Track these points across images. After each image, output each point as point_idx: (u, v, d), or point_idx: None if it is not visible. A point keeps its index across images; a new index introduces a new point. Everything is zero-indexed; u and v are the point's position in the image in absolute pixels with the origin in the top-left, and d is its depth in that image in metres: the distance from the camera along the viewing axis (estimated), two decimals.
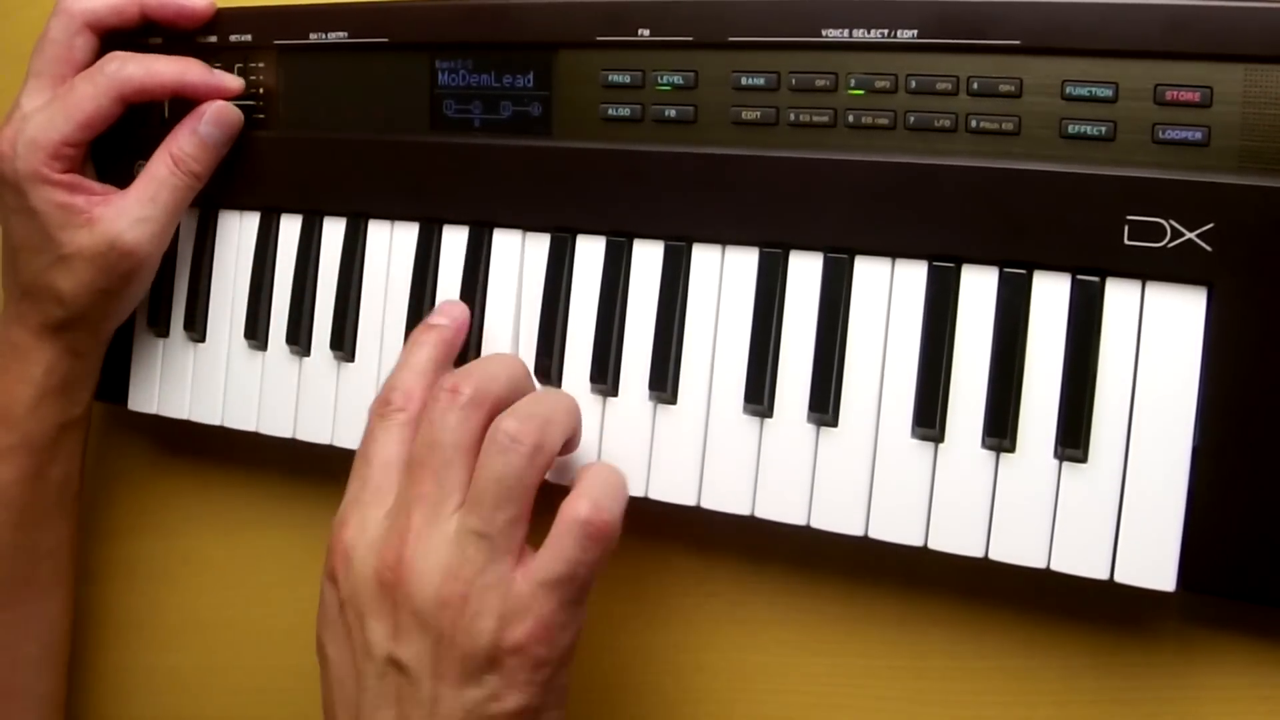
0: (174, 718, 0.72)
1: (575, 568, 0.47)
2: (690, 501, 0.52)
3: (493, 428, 0.48)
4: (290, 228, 0.62)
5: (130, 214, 0.60)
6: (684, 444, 0.52)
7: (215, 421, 0.64)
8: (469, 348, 0.56)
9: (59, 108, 0.60)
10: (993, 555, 0.46)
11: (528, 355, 0.56)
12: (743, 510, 0.51)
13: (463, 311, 0.56)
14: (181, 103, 0.62)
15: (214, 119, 0.61)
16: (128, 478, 0.73)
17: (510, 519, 0.47)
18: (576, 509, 0.47)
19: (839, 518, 0.49)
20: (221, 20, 0.63)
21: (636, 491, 0.52)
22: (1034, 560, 0.46)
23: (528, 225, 0.56)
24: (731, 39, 0.51)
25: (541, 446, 0.48)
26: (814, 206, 0.50)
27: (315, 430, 0.61)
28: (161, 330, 0.66)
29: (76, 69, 0.61)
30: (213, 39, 0.62)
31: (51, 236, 0.60)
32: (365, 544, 0.49)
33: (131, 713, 0.74)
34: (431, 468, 0.48)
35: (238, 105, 0.62)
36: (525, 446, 0.47)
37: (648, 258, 0.54)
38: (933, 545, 0.48)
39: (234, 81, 0.62)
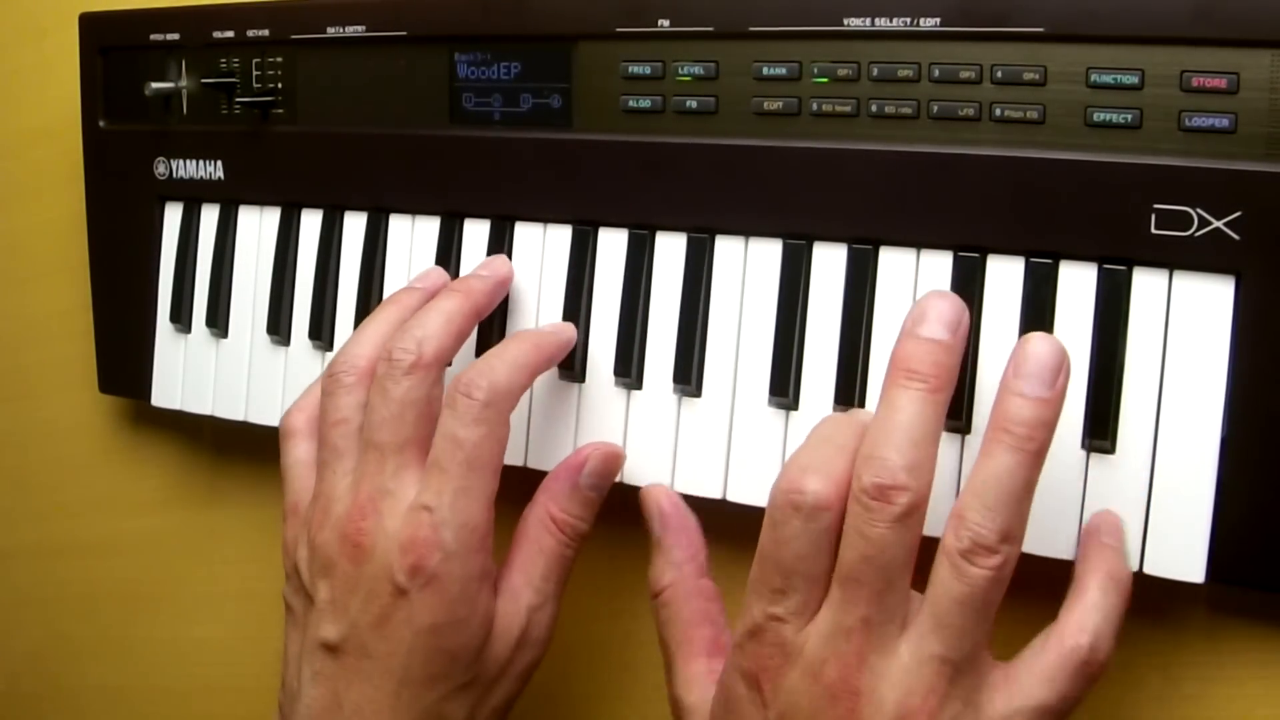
0: (202, 688, 0.73)
1: (1065, 704, 0.41)
2: (716, 494, 0.52)
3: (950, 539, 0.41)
4: (311, 223, 0.62)
5: (524, 601, 0.51)
6: (709, 437, 0.52)
7: (239, 417, 0.64)
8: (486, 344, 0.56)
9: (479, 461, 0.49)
10: (1026, 548, 0.46)
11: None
12: None
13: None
14: (201, 100, 0.61)
15: (599, 470, 0.53)
16: (153, 452, 0.74)
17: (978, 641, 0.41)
18: (1079, 641, 0.41)
19: None
20: (238, 15, 0.62)
21: None
22: (1063, 553, 0.46)
23: (549, 218, 0.56)
24: (752, 29, 0.51)
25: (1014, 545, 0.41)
26: (837, 197, 0.49)
27: None
28: (183, 326, 0.66)
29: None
30: (230, 34, 0.62)
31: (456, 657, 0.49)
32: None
33: (160, 684, 0.75)
34: (873, 588, 0.40)
35: (257, 101, 0.62)
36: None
37: (670, 250, 0.53)
38: None
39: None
